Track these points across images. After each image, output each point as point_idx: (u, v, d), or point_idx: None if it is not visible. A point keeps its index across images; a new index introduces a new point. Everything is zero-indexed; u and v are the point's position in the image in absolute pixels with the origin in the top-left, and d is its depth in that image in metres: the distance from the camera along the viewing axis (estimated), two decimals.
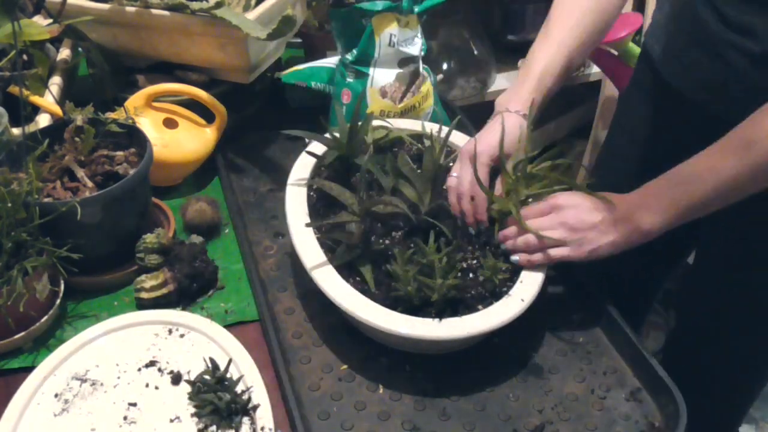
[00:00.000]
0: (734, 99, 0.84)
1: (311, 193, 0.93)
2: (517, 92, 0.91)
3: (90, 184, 0.92)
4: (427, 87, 1.16)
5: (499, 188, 0.89)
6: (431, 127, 1.00)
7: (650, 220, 0.79)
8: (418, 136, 1.03)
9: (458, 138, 1.01)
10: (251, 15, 1.04)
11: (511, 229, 0.84)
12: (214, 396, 0.75)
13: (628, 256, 0.84)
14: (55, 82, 1.07)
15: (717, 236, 1.01)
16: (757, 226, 0.93)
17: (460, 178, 0.89)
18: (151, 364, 0.82)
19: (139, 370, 0.81)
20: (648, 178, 0.82)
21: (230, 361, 0.79)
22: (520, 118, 0.89)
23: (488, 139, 0.88)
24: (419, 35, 1.12)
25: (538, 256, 0.83)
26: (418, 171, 0.92)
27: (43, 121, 0.99)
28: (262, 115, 1.25)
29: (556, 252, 0.82)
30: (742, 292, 0.99)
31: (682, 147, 0.80)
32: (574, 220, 0.82)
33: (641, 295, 1.27)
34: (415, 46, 1.11)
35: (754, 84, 0.81)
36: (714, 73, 0.87)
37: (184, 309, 0.90)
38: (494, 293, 0.82)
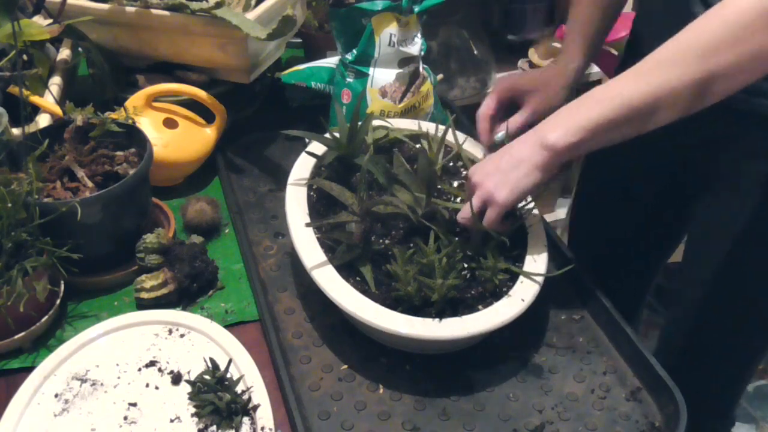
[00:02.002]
0: None
1: (311, 193, 0.93)
2: (563, 53, 0.97)
3: (90, 184, 0.92)
4: (427, 87, 1.15)
5: (517, 119, 0.93)
6: (430, 127, 1.00)
7: (554, 133, 0.75)
8: (418, 137, 1.03)
9: (457, 137, 1.01)
10: (251, 15, 1.04)
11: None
12: (214, 396, 0.75)
13: (620, 245, 0.84)
14: (55, 82, 1.07)
15: (706, 230, 1.02)
16: (747, 218, 0.94)
17: (483, 104, 0.96)
18: (152, 364, 0.82)
19: (140, 370, 0.81)
20: (636, 161, 0.82)
21: (230, 361, 0.79)
22: (563, 68, 0.94)
23: (516, 76, 0.93)
24: (419, 35, 1.12)
25: (464, 210, 0.81)
26: (415, 172, 0.92)
27: (43, 121, 0.99)
28: (262, 115, 1.25)
29: (488, 211, 0.80)
30: (733, 278, 0.99)
31: (671, 133, 0.79)
32: (487, 167, 0.80)
33: (634, 287, 1.28)
34: (415, 46, 1.11)
35: None
36: None
37: (184, 309, 0.90)
38: (494, 293, 0.82)
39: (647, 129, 0.74)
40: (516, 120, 0.94)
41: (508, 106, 0.96)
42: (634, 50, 1.02)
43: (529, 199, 0.89)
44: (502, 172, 0.78)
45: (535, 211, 0.91)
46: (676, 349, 1.13)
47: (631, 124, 0.73)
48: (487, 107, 0.95)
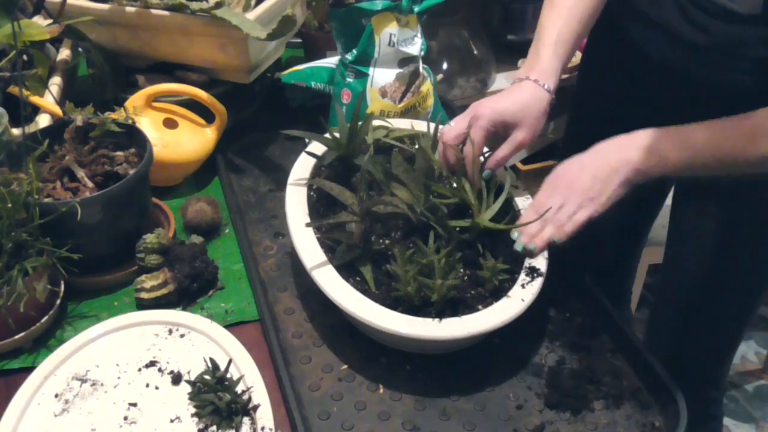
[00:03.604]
0: (701, 61, 0.87)
1: (311, 193, 0.93)
2: (536, 61, 0.89)
3: (90, 184, 0.92)
4: (427, 87, 1.16)
5: (499, 156, 0.88)
6: (429, 127, 1.00)
7: (637, 156, 0.78)
8: (418, 137, 1.03)
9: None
10: (251, 15, 1.04)
11: (530, 228, 0.82)
12: (215, 396, 0.75)
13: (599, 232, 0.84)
14: (55, 82, 1.07)
15: (687, 221, 1.04)
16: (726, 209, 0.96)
17: (452, 127, 0.88)
18: (152, 364, 0.82)
19: (140, 370, 0.81)
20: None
21: (230, 361, 0.79)
22: (540, 88, 0.87)
23: (498, 104, 0.87)
24: (419, 35, 1.12)
25: (569, 226, 0.81)
26: (414, 172, 0.92)
27: (43, 121, 0.99)
28: (262, 115, 1.26)
29: (578, 216, 0.80)
30: (717, 266, 1.00)
31: (652, 106, 0.83)
32: (572, 182, 0.81)
33: (620, 266, 1.30)
34: (415, 46, 1.11)
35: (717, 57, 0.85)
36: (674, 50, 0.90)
37: (184, 309, 0.90)
38: (494, 293, 0.82)
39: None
40: (502, 155, 0.88)
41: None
42: (609, 20, 1.00)
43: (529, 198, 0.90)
44: (593, 191, 0.80)
45: None
46: (664, 328, 1.14)
47: (711, 172, 0.79)
48: (455, 138, 0.88)
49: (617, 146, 0.81)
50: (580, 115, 1.20)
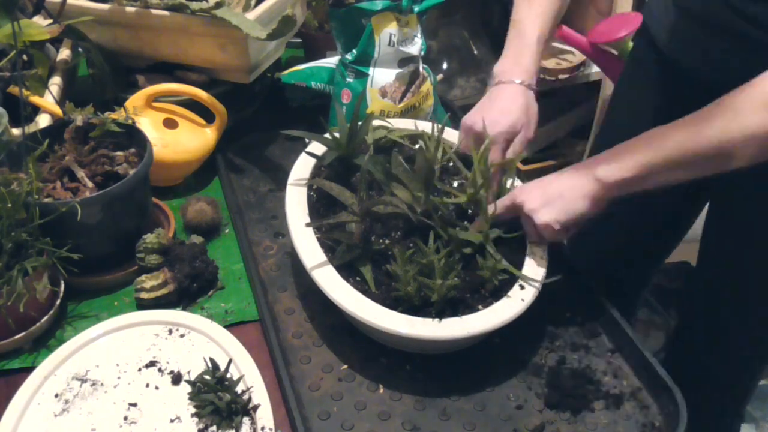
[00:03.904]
0: (734, 70, 0.83)
1: (311, 193, 0.93)
2: (519, 61, 0.91)
3: (90, 184, 0.91)
4: (427, 87, 1.15)
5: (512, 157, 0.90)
6: (429, 127, 1.00)
7: (607, 168, 0.77)
8: (418, 137, 1.03)
9: (454, 136, 1.01)
10: (251, 15, 1.04)
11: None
12: (215, 396, 0.75)
13: (619, 243, 0.83)
14: (55, 82, 1.07)
15: (721, 236, 1.01)
16: (762, 227, 0.93)
17: (492, 159, 0.88)
18: (152, 364, 0.82)
19: (140, 370, 0.81)
20: None
21: (230, 361, 0.79)
22: (527, 89, 0.89)
23: (506, 119, 0.88)
24: (419, 35, 1.12)
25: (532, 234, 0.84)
26: (414, 172, 0.92)
27: (43, 121, 0.99)
28: (262, 115, 1.25)
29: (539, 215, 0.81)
30: (744, 289, 0.99)
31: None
32: (534, 191, 0.82)
33: (632, 288, 1.28)
34: (415, 46, 1.11)
35: (755, 60, 0.79)
36: (715, 53, 0.87)
37: (184, 309, 0.90)
38: (494, 293, 0.82)
39: (704, 174, 0.74)
40: (518, 151, 0.91)
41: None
42: (647, 38, 1.00)
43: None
44: (549, 196, 0.80)
45: None
46: (685, 353, 1.13)
47: (687, 169, 0.74)
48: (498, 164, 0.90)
49: (589, 161, 0.80)
50: (611, 131, 1.17)
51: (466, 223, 0.89)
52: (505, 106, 0.89)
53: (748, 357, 1.07)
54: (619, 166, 0.76)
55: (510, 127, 0.89)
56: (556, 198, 0.80)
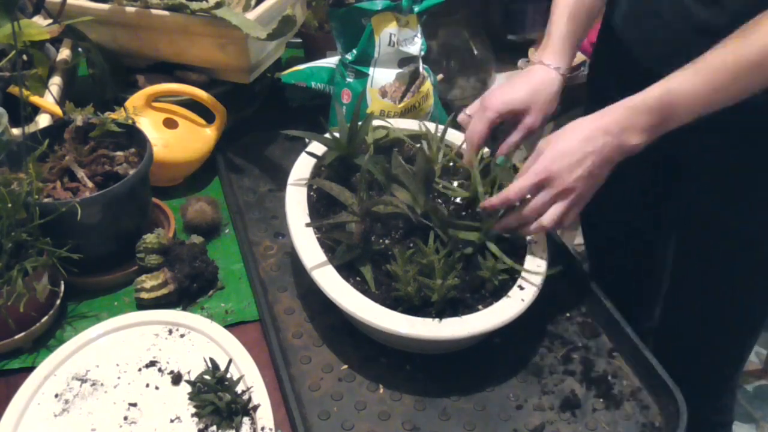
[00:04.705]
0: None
1: (311, 193, 0.93)
2: (547, 43, 0.90)
3: (90, 184, 0.92)
4: (427, 87, 1.16)
5: (510, 142, 0.89)
6: (429, 127, 1.00)
7: (637, 138, 0.77)
8: (418, 137, 1.03)
9: (456, 137, 1.01)
10: (251, 15, 1.04)
11: (493, 200, 0.81)
12: (215, 396, 0.75)
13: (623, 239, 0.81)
14: (55, 82, 1.07)
15: (694, 224, 1.02)
16: (736, 212, 0.94)
17: (472, 127, 0.89)
18: (152, 364, 0.82)
19: (140, 370, 0.81)
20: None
21: (230, 361, 0.79)
22: (552, 71, 0.88)
23: (506, 95, 0.87)
24: (419, 35, 1.12)
25: (534, 227, 0.80)
26: (414, 172, 0.92)
27: (43, 121, 0.99)
28: (262, 115, 1.26)
29: (548, 217, 0.79)
30: (726, 271, 1.00)
31: None
32: (562, 160, 0.78)
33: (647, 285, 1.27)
34: (415, 46, 1.11)
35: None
36: (666, 44, 0.88)
37: (184, 309, 0.90)
38: (494, 293, 0.82)
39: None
40: (513, 140, 0.90)
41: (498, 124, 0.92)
42: (609, 30, 1.00)
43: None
44: (582, 171, 0.77)
45: None
46: (669, 347, 1.13)
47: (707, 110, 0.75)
48: (479, 134, 0.89)
49: (591, 118, 0.79)
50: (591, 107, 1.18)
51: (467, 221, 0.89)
52: (515, 81, 0.89)
53: (735, 330, 1.07)
54: (648, 134, 0.76)
55: (505, 104, 0.86)
56: (589, 177, 0.77)
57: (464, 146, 0.96)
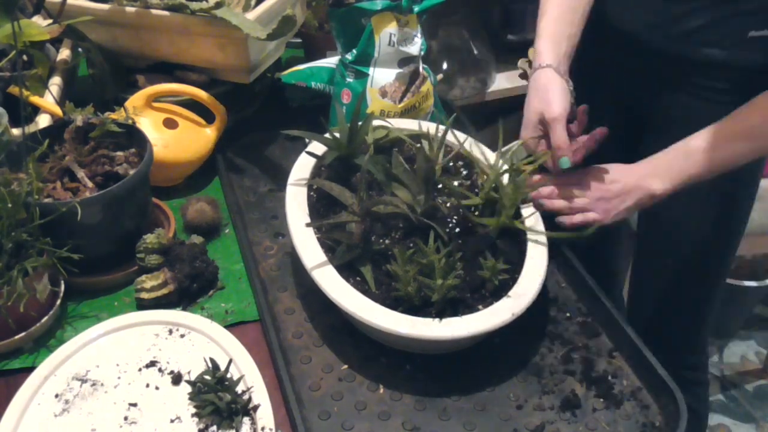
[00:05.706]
0: (672, 37, 0.96)
1: (311, 193, 0.93)
2: (545, 46, 0.98)
3: (90, 184, 0.92)
4: (427, 87, 1.15)
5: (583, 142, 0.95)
6: (429, 127, 1.00)
7: (661, 186, 0.90)
8: (418, 137, 1.03)
9: (456, 137, 1.01)
10: (251, 15, 1.04)
11: (547, 189, 0.93)
12: (215, 396, 0.75)
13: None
14: (55, 82, 1.07)
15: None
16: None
17: (558, 141, 0.93)
18: (152, 364, 0.82)
19: (140, 370, 0.81)
20: (596, 111, 0.93)
21: (230, 361, 0.79)
22: (556, 73, 0.96)
23: (553, 102, 0.94)
24: (419, 35, 1.12)
25: (577, 218, 0.92)
26: (414, 172, 0.92)
27: (43, 121, 0.99)
28: (262, 115, 1.25)
29: (588, 216, 0.91)
30: (686, 231, 1.09)
31: (627, 83, 0.97)
32: (600, 190, 0.92)
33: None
34: (415, 46, 1.11)
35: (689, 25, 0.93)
36: (655, 15, 0.96)
37: (184, 309, 0.90)
38: (494, 293, 0.82)
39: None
40: (584, 141, 0.95)
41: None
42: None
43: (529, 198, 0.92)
44: (611, 204, 0.92)
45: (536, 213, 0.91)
46: (642, 296, 1.21)
47: (728, 169, 0.89)
48: (566, 141, 0.93)
49: (639, 175, 0.91)
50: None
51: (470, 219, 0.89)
52: (538, 90, 0.95)
53: (697, 284, 1.14)
54: (671, 183, 0.89)
55: (565, 108, 0.93)
56: (612, 210, 0.92)
57: (466, 146, 0.98)
